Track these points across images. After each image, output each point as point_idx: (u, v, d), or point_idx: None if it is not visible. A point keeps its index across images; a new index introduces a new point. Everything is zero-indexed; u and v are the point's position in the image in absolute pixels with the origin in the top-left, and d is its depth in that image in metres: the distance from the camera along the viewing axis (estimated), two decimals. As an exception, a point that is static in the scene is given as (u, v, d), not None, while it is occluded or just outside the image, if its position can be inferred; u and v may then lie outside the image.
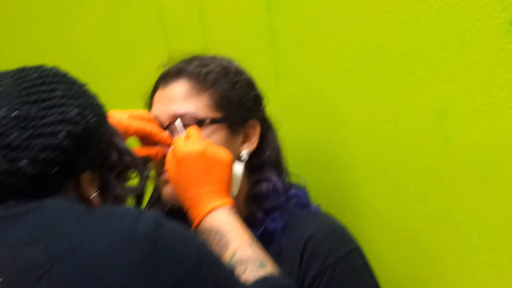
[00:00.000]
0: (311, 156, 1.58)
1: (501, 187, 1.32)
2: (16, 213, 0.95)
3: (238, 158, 1.34)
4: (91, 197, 1.04)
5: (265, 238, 1.29)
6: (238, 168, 1.31)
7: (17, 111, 0.98)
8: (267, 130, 1.40)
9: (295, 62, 1.59)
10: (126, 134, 1.31)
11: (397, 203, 1.47)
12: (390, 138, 1.46)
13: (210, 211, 1.20)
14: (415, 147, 1.42)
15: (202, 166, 1.24)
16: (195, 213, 1.22)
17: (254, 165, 1.37)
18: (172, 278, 0.91)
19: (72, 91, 1.03)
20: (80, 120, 1.00)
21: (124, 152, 1.09)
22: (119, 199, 1.08)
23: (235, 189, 1.30)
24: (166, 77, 1.37)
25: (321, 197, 1.55)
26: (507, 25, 1.25)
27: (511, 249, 1.33)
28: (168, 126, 1.33)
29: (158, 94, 1.37)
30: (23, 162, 0.96)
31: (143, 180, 1.13)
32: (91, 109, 1.03)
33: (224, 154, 1.25)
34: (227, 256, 1.15)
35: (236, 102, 1.35)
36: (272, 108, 1.61)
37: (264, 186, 1.35)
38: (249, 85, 1.39)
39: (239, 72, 1.38)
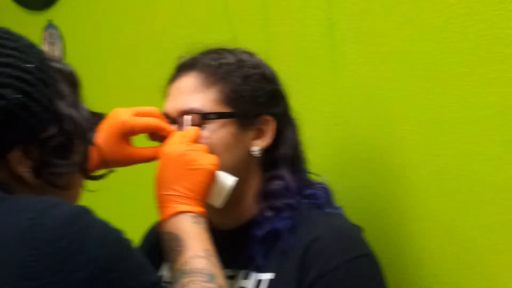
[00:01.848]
0: (366, 155, 1.53)
1: None
2: None
3: (249, 154, 1.31)
4: (24, 177, 0.97)
5: (271, 238, 1.27)
6: (227, 180, 1.26)
7: None
8: (285, 126, 1.35)
9: (354, 57, 1.54)
10: (133, 132, 1.29)
11: (454, 209, 1.39)
12: (448, 139, 1.39)
13: (173, 214, 1.18)
14: (475, 150, 1.35)
15: (177, 169, 1.21)
16: (161, 214, 1.20)
17: (268, 162, 1.33)
18: (69, 279, 0.84)
19: None
20: None
21: (66, 120, 1.00)
22: (60, 177, 1.01)
23: (217, 200, 1.26)
24: (179, 70, 1.35)
25: (375, 197, 1.51)
26: None
27: None
28: (177, 121, 1.31)
29: (171, 88, 1.35)
30: None
31: (84, 150, 1.05)
32: (15, 84, 0.95)
33: (207, 162, 1.22)
34: (178, 264, 1.11)
35: (248, 96, 1.31)
36: (330, 104, 1.58)
37: (276, 184, 1.32)
38: (266, 79, 1.34)
39: (255, 66, 1.34)
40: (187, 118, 1.29)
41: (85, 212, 0.90)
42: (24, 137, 0.95)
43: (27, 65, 0.96)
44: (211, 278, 1.09)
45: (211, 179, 1.22)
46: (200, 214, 1.19)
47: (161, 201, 1.20)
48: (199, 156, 1.22)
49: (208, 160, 1.22)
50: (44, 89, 0.97)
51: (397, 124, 1.47)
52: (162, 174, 1.22)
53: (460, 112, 1.36)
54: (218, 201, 1.26)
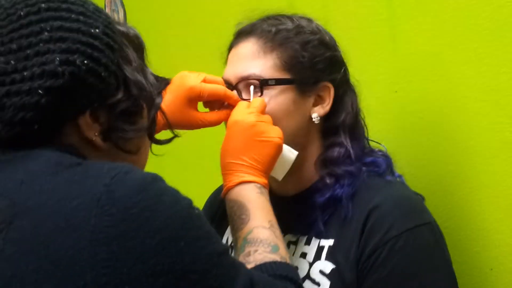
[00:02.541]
0: (425, 123, 1.50)
1: None
2: (0, 160, 0.92)
3: (309, 120, 1.31)
4: (93, 141, 0.97)
5: (332, 204, 1.28)
6: (290, 154, 1.27)
7: None
8: (344, 93, 1.34)
9: (413, 23, 1.50)
10: (200, 98, 1.30)
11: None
12: (511, 107, 1.34)
13: (239, 183, 1.19)
14: (539, 118, 1.31)
15: (246, 139, 1.21)
16: (226, 181, 1.21)
17: (327, 128, 1.33)
18: (141, 247, 0.85)
19: (61, 30, 0.95)
20: (64, 69, 0.92)
21: (133, 85, 1.00)
22: (127, 141, 1.01)
23: (280, 173, 1.27)
24: (238, 37, 1.35)
25: (436, 166, 1.48)
26: None
27: None
28: (236, 87, 1.31)
29: (230, 54, 1.35)
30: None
31: (152, 115, 1.05)
32: (83, 49, 0.95)
33: (275, 135, 1.22)
34: (243, 232, 1.12)
35: (306, 62, 1.30)
36: (388, 71, 1.55)
37: (336, 151, 1.31)
38: (324, 45, 1.33)
39: (314, 32, 1.33)
40: (250, 86, 1.29)
41: (157, 180, 0.90)
42: (92, 102, 0.96)
43: (95, 30, 0.97)
44: (275, 249, 1.10)
45: (279, 153, 1.23)
46: (264, 186, 1.20)
47: (227, 169, 1.21)
48: (268, 128, 1.23)
49: (276, 133, 1.23)
50: (111, 55, 0.97)
51: (457, 91, 1.43)
52: (230, 142, 1.23)
53: (523, 78, 1.32)
54: (280, 174, 1.28)
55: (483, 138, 1.40)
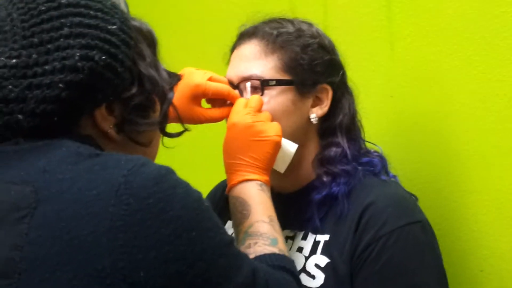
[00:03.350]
0: (420, 127, 1.54)
1: None
2: (23, 149, 0.95)
3: (307, 121, 1.35)
4: (108, 133, 1.01)
5: (328, 201, 1.32)
6: (290, 147, 1.31)
7: (15, 59, 0.95)
8: (342, 95, 1.38)
9: (411, 29, 1.54)
10: (204, 96, 1.34)
11: (508, 183, 1.39)
12: (503, 114, 1.38)
13: (241, 182, 1.24)
14: (532, 123, 1.34)
15: (245, 139, 1.26)
16: (229, 180, 1.26)
17: (325, 129, 1.38)
18: (156, 235, 0.89)
19: (81, 26, 0.98)
20: (83, 65, 0.96)
21: (146, 80, 1.04)
22: (140, 134, 1.05)
23: (282, 166, 1.31)
24: (240, 38, 1.39)
25: (430, 169, 1.52)
26: None
27: None
28: (238, 87, 1.35)
29: (233, 55, 1.39)
30: (20, 116, 0.94)
31: (164, 109, 1.08)
32: (101, 45, 0.98)
33: (273, 133, 1.26)
34: (244, 226, 1.17)
35: (306, 65, 1.34)
36: (385, 75, 1.58)
37: (333, 151, 1.36)
38: (324, 49, 1.37)
39: (314, 36, 1.37)
40: (249, 85, 1.33)
41: (171, 173, 0.94)
42: (108, 96, 0.99)
43: (112, 27, 1.00)
44: (274, 242, 1.14)
45: (277, 150, 1.27)
46: (265, 183, 1.24)
47: (229, 169, 1.26)
48: (265, 127, 1.27)
49: (274, 131, 1.27)
50: (127, 51, 1.01)
51: (451, 97, 1.46)
52: (229, 144, 1.27)
53: (516, 85, 1.35)
54: (282, 167, 1.32)
55: (476, 142, 1.43)
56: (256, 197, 1.22)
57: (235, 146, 1.26)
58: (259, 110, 1.30)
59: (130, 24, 1.04)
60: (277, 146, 1.27)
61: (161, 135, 1.12)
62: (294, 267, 1.13)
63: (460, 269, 1.46)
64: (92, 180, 0.91)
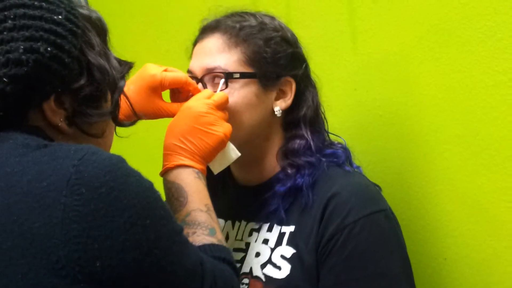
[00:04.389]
0: (384, 120, 1.55)
1: None
2: None
3: (271, 113, 1.36)
4: (59, 126, 1.00)
5: (293, 193, 1.33)
6: (232, 154, 1.30)
7: None
8: (305, 88, 1.39)
9: (372, 23, 1.55)
10: (162, 87, 1.32)
11: (470, 173, 1.41)
12: (464, 104, 1.40)
13: (178, 166, 1.21)
14: (491, 115, 1.37)
15: (192, 124, 1.24)
16: (166, 161, 1.24)
17: (289, 121, 1.38)
18: (111, 224, 0.89)
19: (25, 18, 0.97)
20: (28, 57, 0.95)
21: (96, 70, 1.02)
22: (92, 125, 1.04)
23: (218, 167, 1.30)
24: (203, 32, 1.39)
25: (393, 160, 1.53)
26: None
27: None
28: (201, 80, 1.35)
29: (195, 48, 1.39)
30: None
31: (115, 99, 1.07)
32: (47, 37, 0.96)
33: (221, 130, 1.25)
34: (181, 214, 1.16)
35: (269, 58, 1.35)
36: (348, 69, 1.59)
37: (297, 143, 1.36)
38: (286, 42, 1.38)
39: (276, 29, 1.38)
40: (216, 78, 1.32)
41: (122, 161, 0.94)
42: (56, 87, 0.98)
43: (57, 17, 0.98)
44: (212, 232, 1.14)
45: (220, 147, 1.26)
46: (201, 171, 1.23)
47: (169, 149, 1.24)
48: (217, 122, 1.26)
49: (224, 129, 1.26)
50: (74, 40, 0.99)
51: (415, 89, 1.48)
52: (176, 124, 1.26)
53: (477, 77, 1.37)
54: (217, 168, 1.31)
55: (439, 133, 1.45)
56: (193, 185, 1.19)
57: (180, 128, 1.24)
58: (221, 106, 1.29)
59: (77, 13, 1.02)
60: (221, 143, 1.26)
61: (115, 125, 1.11)
62: (232, 257, 1.13)
63: (424, 258, 1.48)
64: (42, 172, 0.90)
